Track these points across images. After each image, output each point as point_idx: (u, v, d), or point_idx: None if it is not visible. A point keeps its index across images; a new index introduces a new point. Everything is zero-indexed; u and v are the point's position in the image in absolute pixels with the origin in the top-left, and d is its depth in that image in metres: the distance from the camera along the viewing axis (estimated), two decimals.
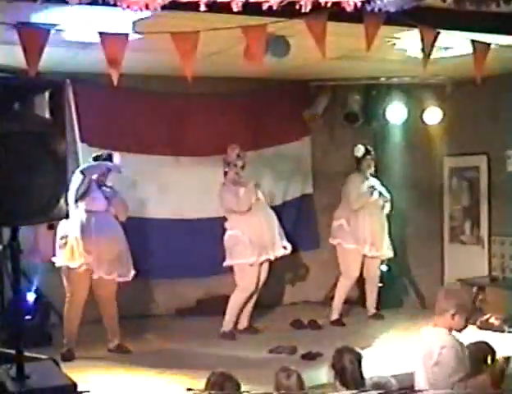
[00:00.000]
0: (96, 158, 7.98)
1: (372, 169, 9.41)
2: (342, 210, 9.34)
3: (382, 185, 9.51)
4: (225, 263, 8.53)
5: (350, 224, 9.24)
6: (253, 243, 8.40)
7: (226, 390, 4.97)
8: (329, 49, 5.97)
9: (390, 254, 9.55)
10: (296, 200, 10.20)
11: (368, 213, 9.28)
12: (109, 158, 7.95)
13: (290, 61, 6.96)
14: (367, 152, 9.33)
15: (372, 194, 9.29)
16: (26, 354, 4.63)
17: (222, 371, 5.16)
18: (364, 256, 9.35)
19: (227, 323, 8.49)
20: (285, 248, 8.69)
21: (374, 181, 9.46)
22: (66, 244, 7.72)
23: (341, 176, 9.65)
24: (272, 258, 8.58)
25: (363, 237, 9.26)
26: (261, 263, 8.52)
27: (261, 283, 8.64)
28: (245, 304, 8.59)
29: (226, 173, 8.56)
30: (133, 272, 7.97)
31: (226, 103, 9.45)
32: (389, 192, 9.51)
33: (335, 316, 9.32)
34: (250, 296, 8.57)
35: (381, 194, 9.39)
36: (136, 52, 6.23)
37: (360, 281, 9.64)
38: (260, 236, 8.45)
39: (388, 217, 9.54)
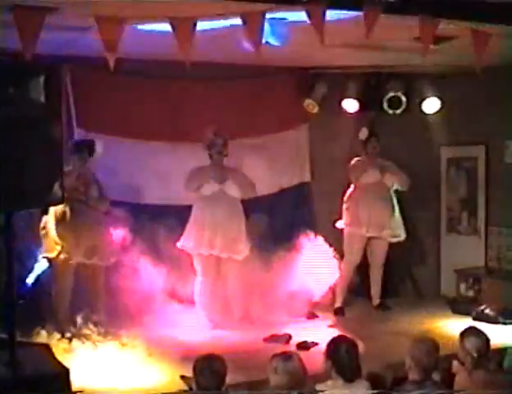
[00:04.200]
0: (77, 144, 8.03)
1: (377, 150, 9.41)
2: (348, 194, 9.42)
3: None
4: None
5: (353, 207, 9.28)
6: (192, 232, 8.44)
7: (216, 372, 4.96)
8: (328, 36, 5.94)
9: (396, 235, 9.43)
10: (294, 188, 10.15)
11: (369, 194, 9.25)
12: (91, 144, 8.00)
13: (289, 48, 6.92)
14: (371, 134, 9.34)
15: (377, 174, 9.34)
16: (20, 340, 4.61)
17: (207, 354, 5.14)
18: (369, 239, 9.34)
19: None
20: (238, 252, 8.54)
21: (384, 163, 9.45)
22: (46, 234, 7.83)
23: (339, 163, 9.64)
24: (205, 253, 8.43)
25: (362, 219, 9.23)
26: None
27: (225, 279, 8.64)
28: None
29: (211, 157, 8.54)
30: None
31: (224, 90, 9.38)
32: None
33: (338, 304, 9.30)
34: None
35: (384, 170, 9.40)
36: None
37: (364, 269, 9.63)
38: (200, 229, 8.42)
39: (399, 198, 9.49)
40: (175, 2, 5.51)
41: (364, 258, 9.51)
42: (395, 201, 9.47)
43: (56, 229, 7.76)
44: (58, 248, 7.75)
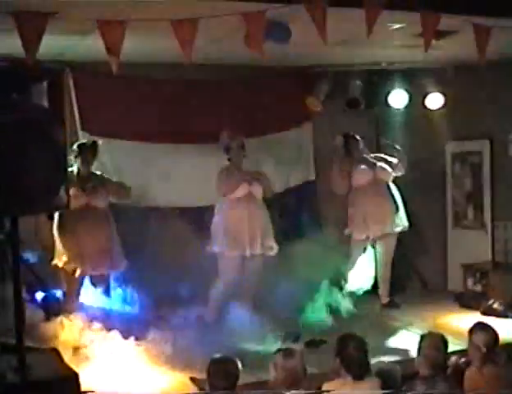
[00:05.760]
0: (80, 147, 7.97)
1: (359, 149, 9.26)
2: (350, 199, 9.35)
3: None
4: (208, 249, 8.50)
5: (351, 212, 9.25)
6: (230, 234, 8.39)
7: (231, 373, 4.97)
8: (330, 35, 5.93)
9: (400, 225, 9.30)
10: (299, 187, 10.15)
11: (364, 195, 9.17)
12: (94, 146, 7.98)
13: (290, 47, 6.91)
14: (347, 139, 9.23)
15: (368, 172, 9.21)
16: (28, 344, 4.61)
17: (222, 356, 5.15)
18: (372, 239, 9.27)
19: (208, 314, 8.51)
20: (271, 248, 8.59)
21: (374, 159, 9.32)
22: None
23: None
24: (248, 254, 8.43)
25: (360, 223, 9.18)
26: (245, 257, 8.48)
27: (248, 277, 8.60)
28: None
29: (229, 159, 8.55)
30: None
31: (227, 90, 9.38)
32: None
33: None
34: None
35: (374, 164, 9.26)
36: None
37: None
38: (240, 231, 8.40)
39: (399, 188, 9.38)
40: (176, 3, 5.53)
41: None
42: (395, 193, 9.33)
43: (59, 238, 7.80)
44: (64, 258, 7.79)
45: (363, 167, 9.25)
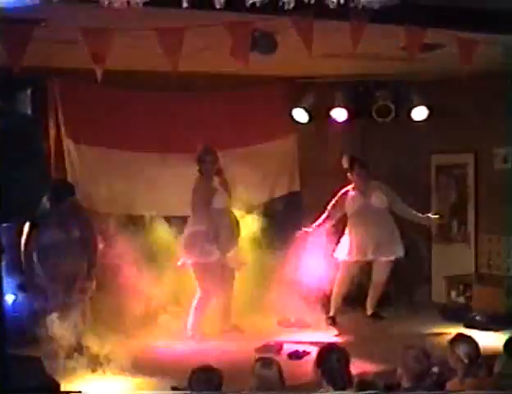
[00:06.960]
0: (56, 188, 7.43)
1: (363, 173, 9.10)
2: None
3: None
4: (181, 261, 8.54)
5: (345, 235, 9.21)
6: (222, 242, 8.39)
7: (213, 383, 4.97)
8: (316, 46, 5.95)
9: (391, 253, 9.23)
10: (284, 197, 10.16)
11: (356, 221, 9.13)
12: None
13: (276, 58, 6.93)
14: (352, 160, 9.16)
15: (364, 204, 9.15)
16: (12, 352, 4.59)
17: (204, 365, 5.15)
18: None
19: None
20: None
21: (370, 185, 9.23)
22: None
23: (329, 173, 9.59)
24: (229, 263, 8.50)
25: (348, 246, 9.13)
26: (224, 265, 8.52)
27: (227, 287, 8.63)
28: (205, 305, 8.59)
29: (200, 171, 8.52)
30: None
31: (212, 100, 9.41)
32: None
33: (331, 313, 9.23)
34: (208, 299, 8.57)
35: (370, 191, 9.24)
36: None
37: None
38: (229, 239, 8.47)
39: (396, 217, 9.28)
40: (162, 13, 5.53)
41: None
42: (389, 219, 9.24)
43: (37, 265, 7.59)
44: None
45: (355, 193, 9.14)
